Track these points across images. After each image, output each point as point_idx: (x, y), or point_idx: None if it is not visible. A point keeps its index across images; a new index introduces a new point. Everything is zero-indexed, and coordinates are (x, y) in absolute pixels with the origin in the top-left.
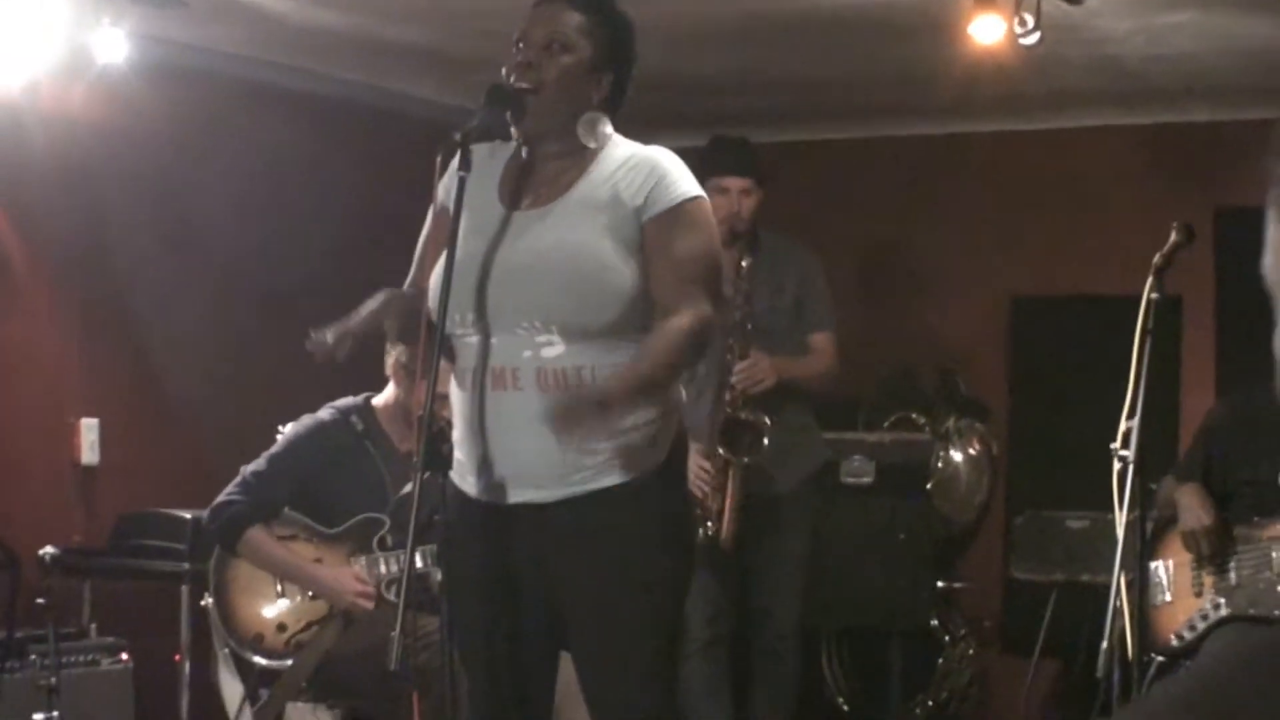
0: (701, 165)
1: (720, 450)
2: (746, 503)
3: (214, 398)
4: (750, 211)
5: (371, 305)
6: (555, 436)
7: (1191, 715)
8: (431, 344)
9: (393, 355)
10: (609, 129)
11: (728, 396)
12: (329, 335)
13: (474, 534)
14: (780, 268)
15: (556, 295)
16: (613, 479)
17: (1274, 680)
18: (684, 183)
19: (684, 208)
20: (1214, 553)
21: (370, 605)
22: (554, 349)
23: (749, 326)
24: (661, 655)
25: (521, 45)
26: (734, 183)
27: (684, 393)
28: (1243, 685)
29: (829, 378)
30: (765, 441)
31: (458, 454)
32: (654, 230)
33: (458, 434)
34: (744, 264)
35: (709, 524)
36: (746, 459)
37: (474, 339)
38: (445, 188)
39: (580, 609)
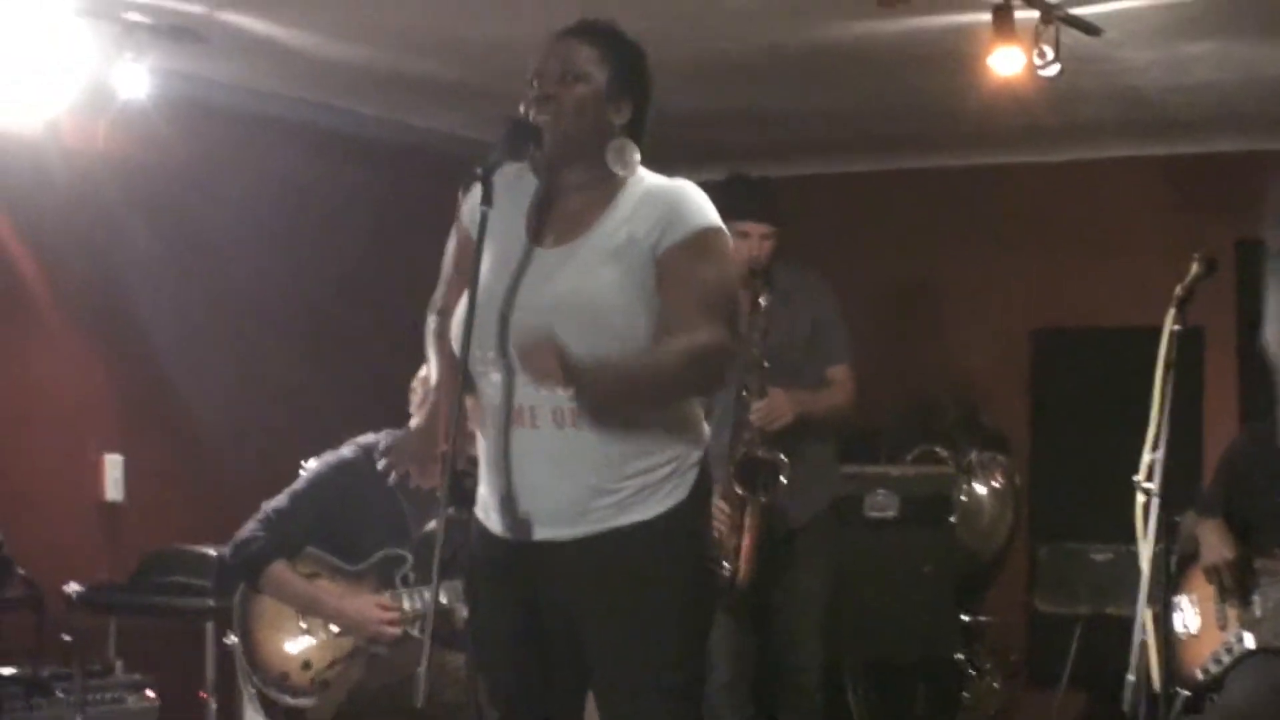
0: (721, 206)
1: (737, 489)
2: (763, 540)
3: (238, 434)
4: (770, 254)
5: (398, 449)
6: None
7: None
8: (455, 380)
9: (417, 394)
10: (637, 155)
11: (745, 435)
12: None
13: (498, 571)
14: (797, 301)
15: (570, 338)
16: (634, 516)
17: None
18: (702, 212)
19: (701, 237)
20: (1237, 586)
21: (396, 633)
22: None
23: (765, 364)
24: (684, 694)
25: (536, 81)
26: (755, 228)
27: (708, 431)
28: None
29: (847, 410)
30: (782, 480)
31: (482, 490)
32: (668, 260)
33: (482, 471)
34: (761, 301)
35: (725, 564)
36: (764, 497)
37: (496, 376)
38: (469, 210)
39: (602, 646)
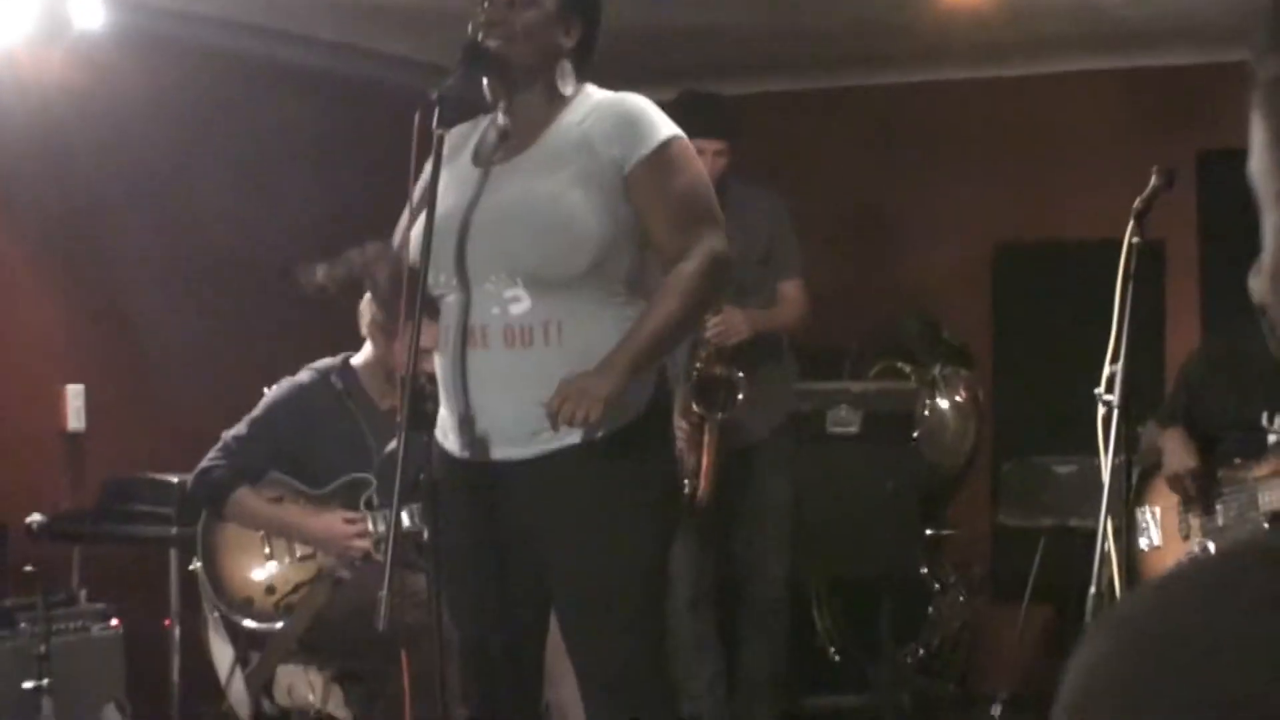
0: (674, 124)
1: (695, 407)
2: (722, 458)
3: (198, 362)
4: (722, 169)
5: (367, 254)
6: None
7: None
8: (413, 302)
9: (368, 315)
10: (571, 79)
11: (701, 353)
12: (319, 271)
13: (458, 492)
14: (750, 216)
15: (520, 246)
16: (588, 434)
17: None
18: (660, 125)
19: (665, 150)
20: (1200, 495)
21: (365, 545)
22: (521, 305)
23: None
24: (645, 606)
25: (486, 4)
26: (708, 145)
27: None
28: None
29: (801, 325)
30: (740, 397)
31: (442, 412)
32: (641, 177)
33: (440, 393)
34: None
35: (685, 482)
36: (721, 415)
37: (452, 297)
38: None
39: (562, 562)
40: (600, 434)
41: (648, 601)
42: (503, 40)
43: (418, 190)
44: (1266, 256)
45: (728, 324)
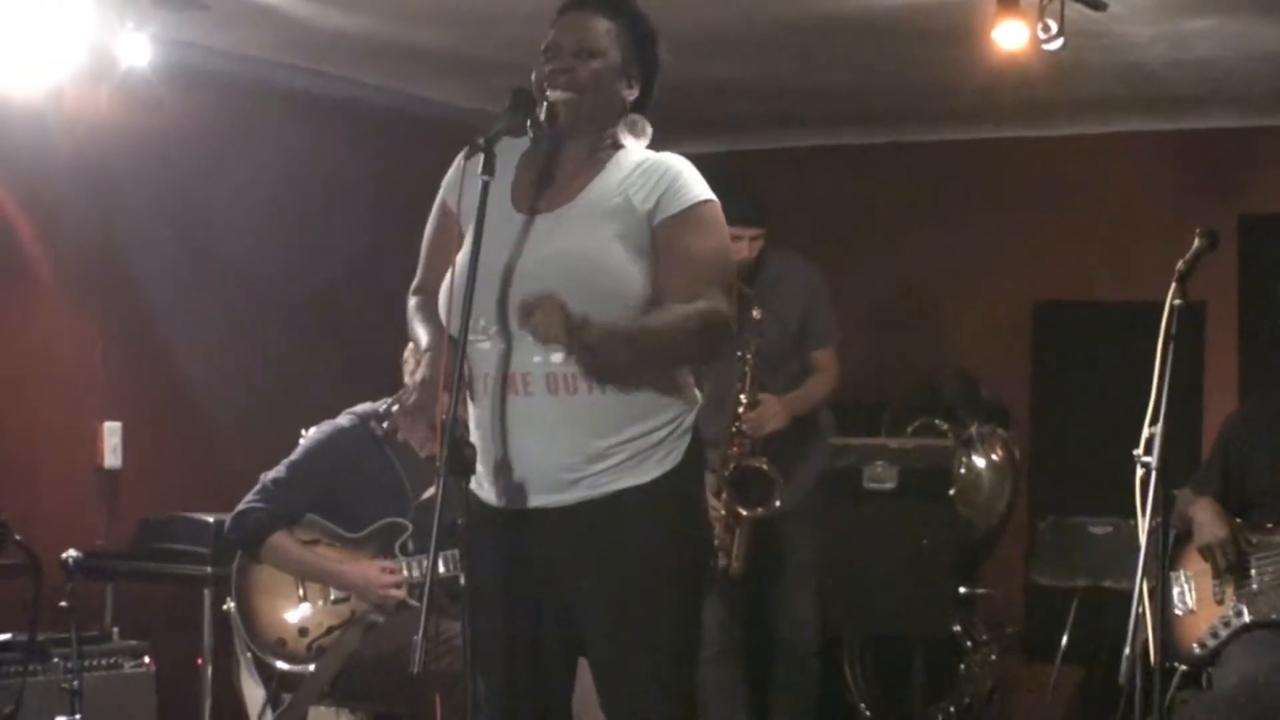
0: None
1: (728, 500)
2: (755, 542)
3: (236, 400)
4: (758, 251)
5: (406, 406)
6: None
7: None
8: (454, 349)
9: (409, 366)
10: (649, 129)
11: (737, 443)
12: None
13: (492, 540)
14: (785, 287)
15: (572, 299)
16: (627, 481)
17: None
18: (695, 186)
19: (696, 210)
20: (1232, 565)
21: (400, 595)
22: (561, 354)
23: (752, 368)
24: (677, 660)
25: (550, 54)
26: (745, 231)
27: (699, 397)
28: None
29: (832, 397)
30: (777, 503)
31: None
32: (665, 232)
33: (473, 440)
34: (755, 314)
35: (720, 554)
36: (759, 510)
37: (487, 345)
38: (450, 187)
39: (595, 614)
40: (639, 484)
41: (681, 654)
42: (569, 90)
43: (432, 220)
44: None
45: (764, 415)
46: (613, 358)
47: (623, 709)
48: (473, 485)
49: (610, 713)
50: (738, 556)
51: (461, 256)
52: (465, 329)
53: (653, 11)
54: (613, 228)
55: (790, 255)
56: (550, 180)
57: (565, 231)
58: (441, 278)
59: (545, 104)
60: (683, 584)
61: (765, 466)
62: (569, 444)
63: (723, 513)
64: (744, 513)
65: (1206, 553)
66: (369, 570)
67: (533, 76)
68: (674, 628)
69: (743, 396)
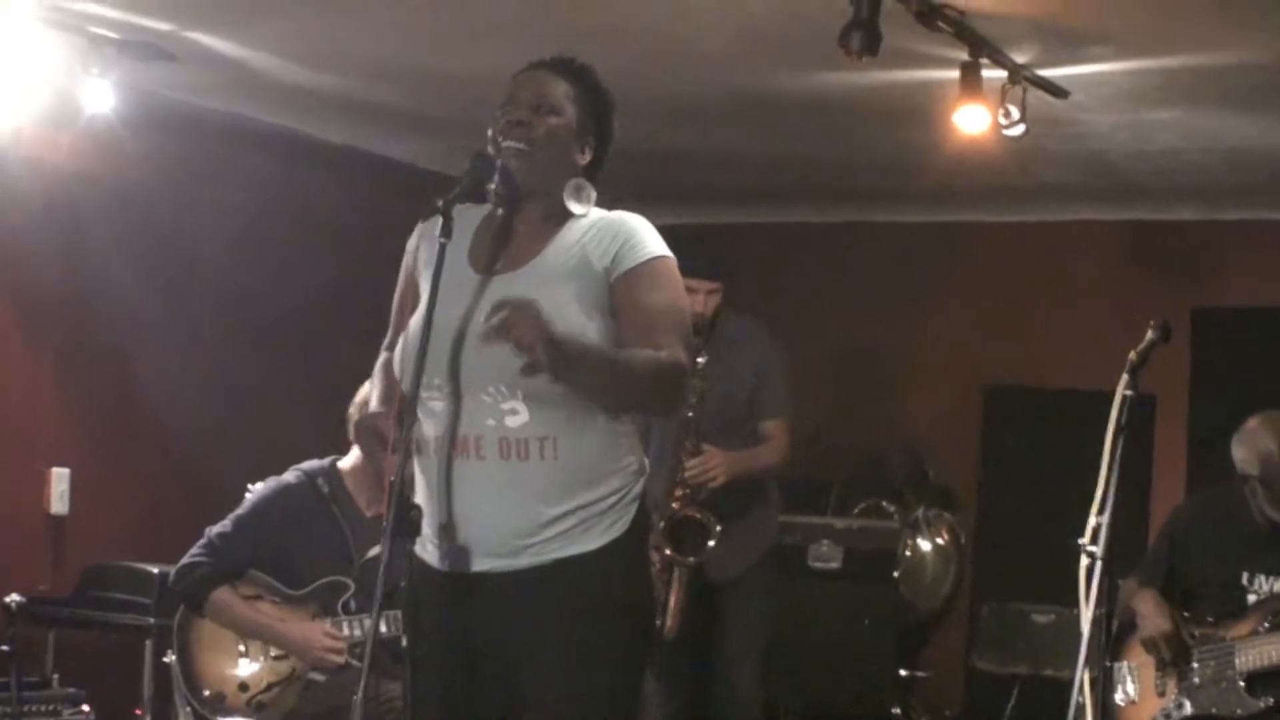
0: None
1: (666, 550)
2: (697, 590)
3: (187, 451)
4: (714, 308)
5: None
6: (482, 335)
7: None
8: (404, 410)
9: (353, 421)
10: (594, 195)
11: (679, 493)
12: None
13: (434, 603)
14: (740, 352)
15: (520, 360)
16: (573, 549)
17: None
18: (651, 242)
19: (652, 265)
20: (1175, 658)
21: (340, 660)
22: (518, 418)
23: (700, 423)
24: None
25: (509, 107)
26: (700, 285)
27: (647, 465)
28: None
29: (780, 468)
30: (711, 544)
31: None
32: (623, 287)
33: (419, 501)
34: (699, 360)
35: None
36: (692, 559)
37: (439, 405)
38: (413, 252)
39: (537, 679)
40: (586, 550)
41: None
42: (523, 143)
43: (399, 283)
44: None
45: (707, 466)
46: (584, 375)
47: None
48: (416, 547)
49: None
50: (673, 614)
51: (415, 317)
52: (416, 388)
53: (614, 79)
54: (569, 289)
55: (752, 322)
56: (507, 243)
57: (519, 293)
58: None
59: (499, 155)
60: (625, 653)
61: (699, 515)
62: (518, 510)
63: (658, 566)
64: (678, 557)
65: (1149, 646)
66: (311, 631)
67: (489, 132)
68: (613, 697)
69: (687, 443)
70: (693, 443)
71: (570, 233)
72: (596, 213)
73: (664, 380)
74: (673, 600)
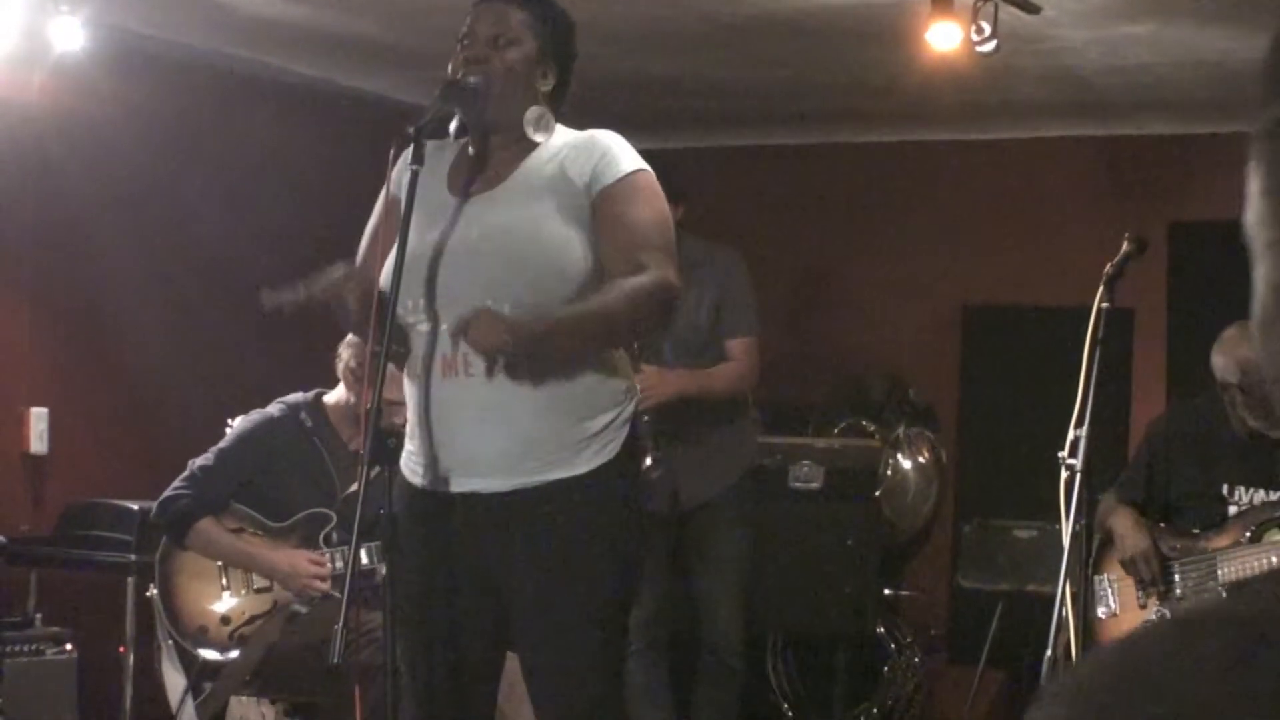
0: None
1: None
2: (670, 515)
3: (164, 388)
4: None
5: (333, 277)
6: (452, 337)
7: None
8: (381, 336)
9: (343, 359)
10: (554, 124)
11: None
12: (282, 295)
13: (418, 528)
14: (702, 275)
15: (507, 273)
16: (562, 472)
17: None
18: (632, 155)
19: (632, 179)
20: (1154, 576)
21: (325, 587)
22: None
23: (656, 347)
24: (606, 649)
25: (467, 41)
26: None
27: (637, 386)
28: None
29: (742, 386)
30: (646, 463)
31: (409, 445)
32: (604, 203)
33: (409, 425)
34: None
35: None
36: None
37: (425, 327)
38: (396, 179)
39: (524, 602)
40: (576, 474)
41: (610, 644)
42: (482, 77)
43: (376, 211)
44: (1256, 307)
45: (645, 385)
46: (559, 348)
47: (550, 695)
48: (405, 470)
49: (538, 699)
50: None
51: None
52: (393, 313)
53: (584, 6)
54: (549, 203)
55: (712, 244)
56: (482, 168)
57: (499, 209)
58: (376, 263)
59: (460, 89)
60: (614, 574)
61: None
62: (505, 430)
63: None
64: None
65: (1128, 566)
66: (296, 559)
67: (449, 67)
68: (601, 616)
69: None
70: (635, 364)
71: (544, 150)
72: (569, 132)
73: (650, 305)
74: None
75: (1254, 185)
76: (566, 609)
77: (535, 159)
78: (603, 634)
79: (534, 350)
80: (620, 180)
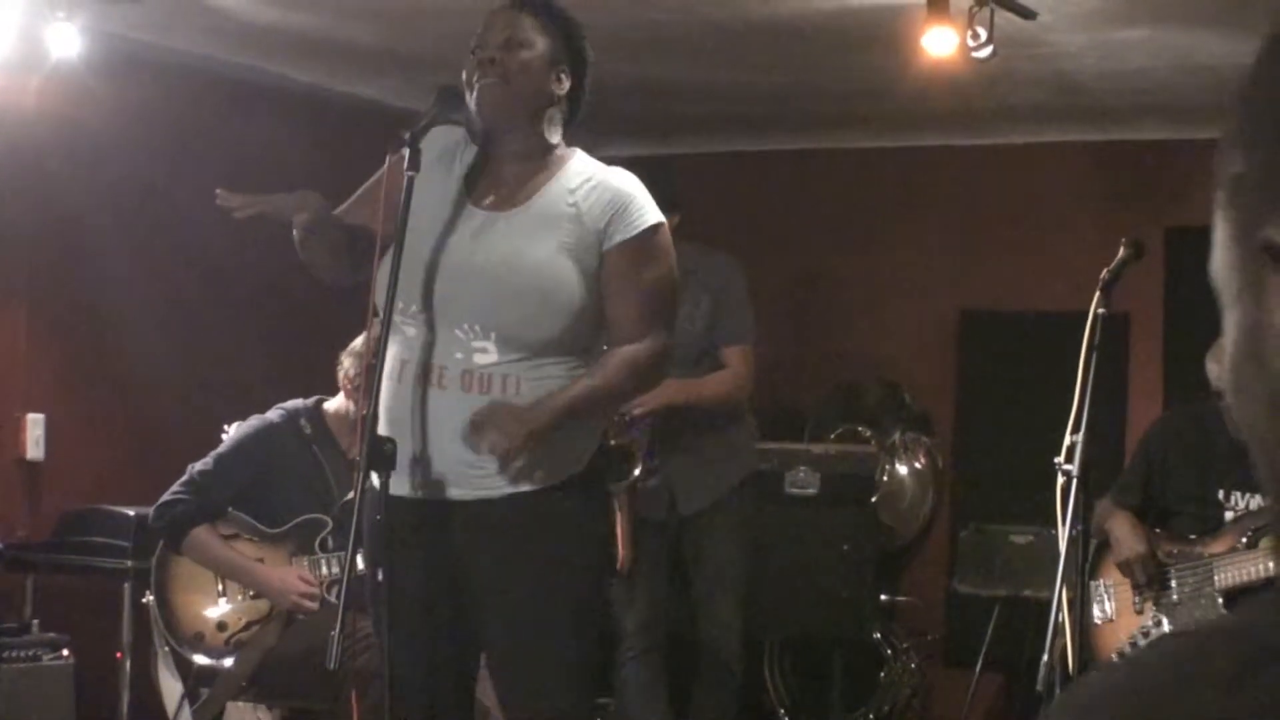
0: None
1: None
2: (638, 524)
3: (161, 395)
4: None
5: (289, 196)
6: (465, 441)
7: (1129, 702)
8: (379, 338)
9: (344, 367)
10: (560, 118)
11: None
12: (236, 197)
13: (406, 534)
14: (696, 282)
15: (503, 305)
16: (536, 482)
17: (1203, 672)
18: (647, 211)
19: (647, 237)
20: (1151, 580)
21: (314, 607)
22: (486, 356)
23: None
24: (575, 657)
25: (479, 47)
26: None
27: None
28: (1172, 676)
29: (735, 395)
30: (638, 470)
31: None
32: (617, 258)
33: (384, 426)
34: None
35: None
36: (617, 484)
37: (413, 330)
38: (428, 143)
39: (494, 607)
40: (543, 486)
41: (578, 649)
42: (497, 79)
43: (386, 171)
44: (1227, 350)
45: None
46: (572, 422)
47: (514, 700)
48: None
49: (505, 704)
50: (623, 544)
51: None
52: (390, 314)
53: (584, 10)
54: (561, 238)
55: (708, 249)
56: (489, 174)
57: (508, 237)
58: (359, 219)
59: (474, 94)
60: (580, 583)
61: (614, 441)
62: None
63: None
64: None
65: (1124, 569)
66: (287, 577)
67: (463, 75)
68: (575, 625)
69: None
70: None
71: (566, 179)
72: (592, 165)
73: (648, 374)
74: (619, 529)
75: (1220, 233)
76: (538, 613)
77: (554, 190)
78: (573, 638)
79: (542, 439)
80: (636, 237)
